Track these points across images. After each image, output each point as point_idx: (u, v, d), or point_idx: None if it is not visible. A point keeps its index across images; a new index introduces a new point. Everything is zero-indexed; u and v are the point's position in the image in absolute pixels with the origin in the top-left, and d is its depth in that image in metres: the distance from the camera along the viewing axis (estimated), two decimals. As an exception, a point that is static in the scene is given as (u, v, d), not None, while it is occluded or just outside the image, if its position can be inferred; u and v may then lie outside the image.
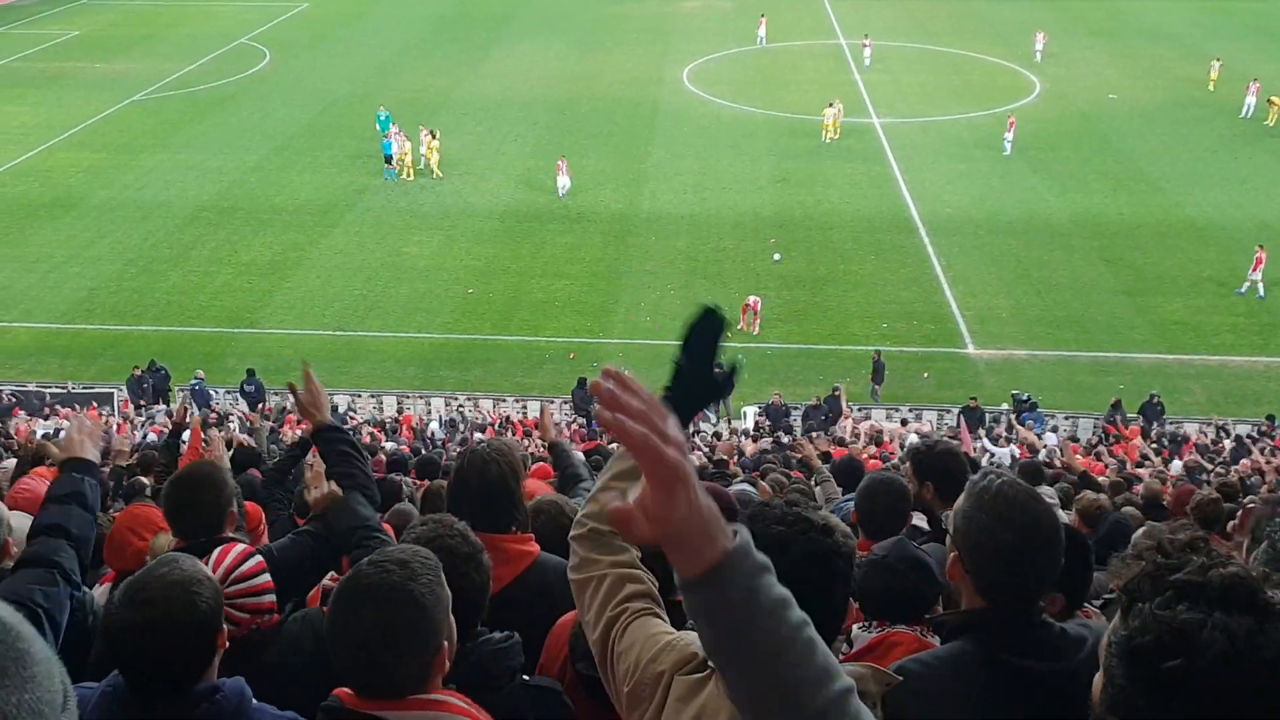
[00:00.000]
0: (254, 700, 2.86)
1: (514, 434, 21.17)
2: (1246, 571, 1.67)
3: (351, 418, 23.68)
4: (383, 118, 38.86)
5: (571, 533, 2.62)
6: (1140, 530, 5.32)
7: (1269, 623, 1.60)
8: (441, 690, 2.62)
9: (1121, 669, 1.68)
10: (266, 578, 3.56)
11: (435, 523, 3.27)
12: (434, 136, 37.17)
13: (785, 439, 20.00)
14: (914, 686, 2.69)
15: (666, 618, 2.51)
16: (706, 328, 2.23)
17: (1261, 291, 28.73)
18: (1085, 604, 4.22)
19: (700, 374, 2.26)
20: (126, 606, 2.72)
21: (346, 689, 2.59)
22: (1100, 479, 12.63)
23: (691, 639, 2.36)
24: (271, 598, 3.57)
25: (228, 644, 2.94)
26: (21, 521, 4.91)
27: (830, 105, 40.61)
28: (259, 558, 3.59)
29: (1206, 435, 22.59)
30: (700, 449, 19.00)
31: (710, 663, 2.24)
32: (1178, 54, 51.26)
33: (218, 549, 3.52)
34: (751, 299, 27.32)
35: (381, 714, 2.52)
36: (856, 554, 2.64)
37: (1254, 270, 28.71)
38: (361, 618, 2.50)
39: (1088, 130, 41.30)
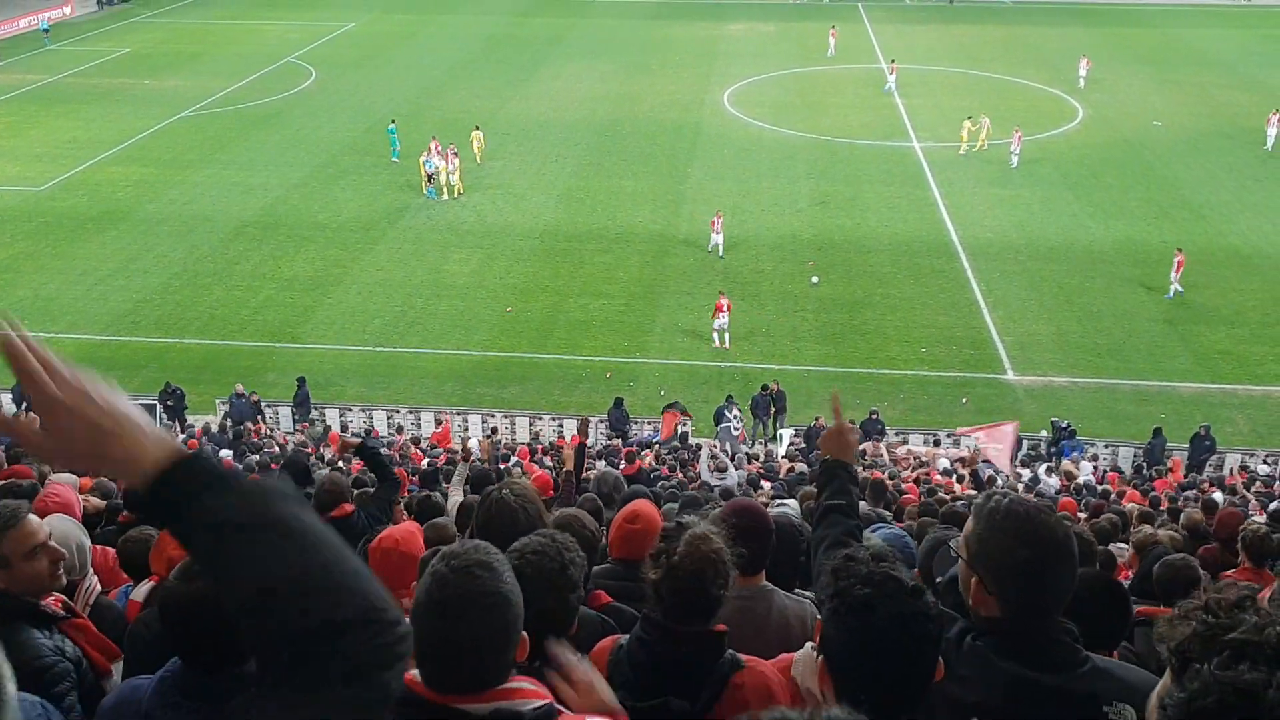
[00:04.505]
0: None
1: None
2: None
3: (396, 435, 23.83)
4: (392, 130, 40.33)
5: None
6: (1157, 564, 5.27)
7: None
8: (514, 678, 2.62)
9: None
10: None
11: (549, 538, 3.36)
12: (457, 155, 37.45)
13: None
14: (955, 668, 2.69)
15: None
16: None
17: (1178, 288, 29.51)
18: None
19: None
20: (178, 579, 2.85)
21: (417, 680, 2.53)
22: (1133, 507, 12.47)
23: None
24: None
25: None
26: (62, 525, 4.96)
27: (969, 119, 41.22)
28: None
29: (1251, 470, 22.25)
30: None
31: None
32: (1226, 81, 50.86)
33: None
34: (723, 300, 27.40)
35: (462, 706, 2.50)
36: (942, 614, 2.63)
37: (1175, 272, 29.46)
38: (463, 625, 2.48)
39: (1131, 157, 40.96)
